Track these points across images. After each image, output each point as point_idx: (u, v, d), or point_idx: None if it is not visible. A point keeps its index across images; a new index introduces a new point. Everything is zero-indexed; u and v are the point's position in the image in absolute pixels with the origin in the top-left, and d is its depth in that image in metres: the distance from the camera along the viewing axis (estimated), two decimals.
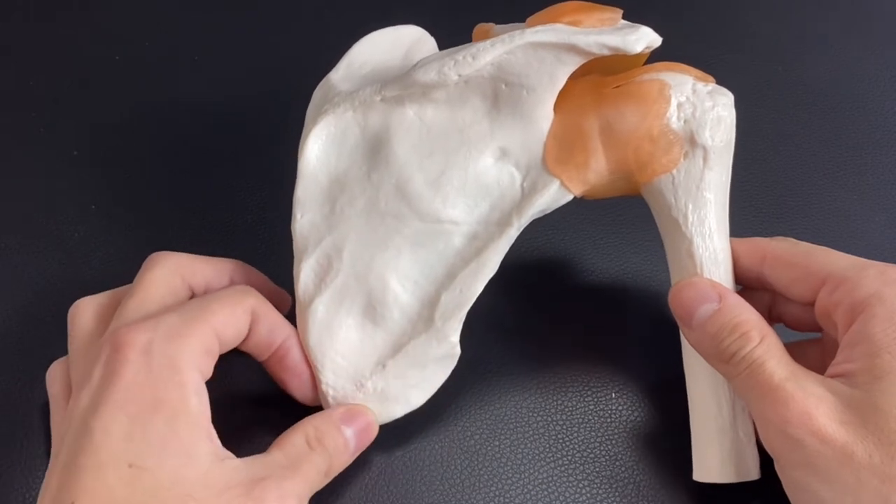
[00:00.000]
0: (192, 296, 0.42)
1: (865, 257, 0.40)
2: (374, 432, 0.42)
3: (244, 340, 0.41)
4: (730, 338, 0.38)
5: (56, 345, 0.45)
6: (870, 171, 0.58)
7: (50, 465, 0.37)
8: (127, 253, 0.51)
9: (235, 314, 0.40)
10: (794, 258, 0.41)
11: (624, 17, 0.42)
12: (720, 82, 0.42)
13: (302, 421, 0.40)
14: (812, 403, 0.36)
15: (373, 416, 0.42)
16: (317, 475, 0.39)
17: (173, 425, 0.36)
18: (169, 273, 0.41)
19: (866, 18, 0.68)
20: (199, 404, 0.37)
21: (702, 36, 0.66)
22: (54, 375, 0.42)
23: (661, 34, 0.41)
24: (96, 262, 0.51)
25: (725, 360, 0.38)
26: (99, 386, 0.36)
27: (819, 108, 0.61)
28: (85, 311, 0.41)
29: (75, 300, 0.43)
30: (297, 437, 0.39)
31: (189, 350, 0.37)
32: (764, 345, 0.38)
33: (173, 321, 0.38)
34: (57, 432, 0.40)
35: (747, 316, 0.39)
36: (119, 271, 0.49)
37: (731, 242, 0.42)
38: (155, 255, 0.42)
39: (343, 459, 0.41)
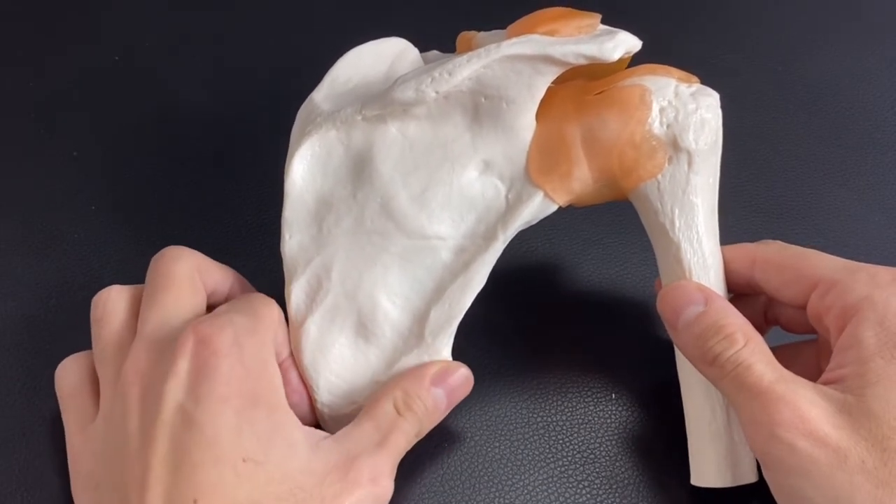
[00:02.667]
0: None
1: (864, 257, 0.40)
2: (470, 385, 0.42)
3: None
4: (714, 339, 0.38)
5: (55, 346, 0.46)
6: (870, 171, 0.57)
7: (113, 460, 0.37)
8: (127, 254, 0.52)
9: (276, 317, 0.41)
10: (784, 261, 0.41)
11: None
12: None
13: (391, 383, 0.41)
14: (804, 405, 0.35)
15: (466, 370, 0.42)
16: (406, 440, 0.40)
17: (273, 418, 0.37)
18: (192, 270, 0.42)
19: (866, 18, 0.67)
20: (284, 395, 0.39)
21: (702, 36, 0.65)
22: (69, 370, 0.42)
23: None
24: (96, 264, 0.51)
25: (710, 361, 0.38)
26: (192, 379, 0.36)
27: (819, 108, 0.61)
28: (118, 301, 0.42)
29: (74, 301, 0.43)
30: (386, 403, 0.40)
31: (269, 345, 0.39)
32: (749, 347, 0.37)
33: (244, 320, 0.39)
34: (77, 428, 0.40)
35: (733, 319, 0.39)
36: (119, 273, 0.50)
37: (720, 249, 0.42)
38: (172, 249, 0.42)
39: (434, 418, 0.41)
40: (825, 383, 0.37)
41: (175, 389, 0.36)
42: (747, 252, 0.42)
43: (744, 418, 0.38)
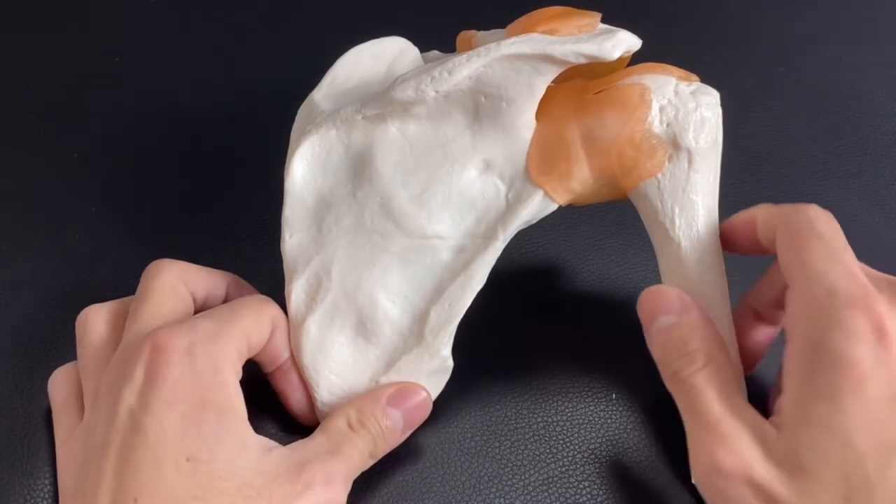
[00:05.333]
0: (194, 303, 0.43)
1: (865, 258, 0.39)
2: (428, 409, 0.42)
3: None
4: (676, 353, 0.38)
5: (56, 348, 0.46)
6: (870, 171, 0.57)
7: (82, 469, 0.38)
8: (128, 256, 0.52)
9: (261, 321, 0.41)
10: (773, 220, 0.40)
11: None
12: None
13: (347, 402, 0.41)
14: (745, 452, 0.35)
15: (425, 393, 0.42)
16: (360, 457, 0.40)
17: (223, 421, 0.37)
18: (175, 280, 0.42)
19: (867, 19, 0.67)
20: (240, 402, 0.38)
21: (702, 36, 0.65)
22: (59, 382, 0.43)
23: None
24: (96, 265, 0.51)
25: (668, 375, 0.39)
26: (144, 385, 0.37)
27: (819, 109, 0.61)
28: (96, 319, 0.42)
29: (75, 303, 0.43)
30: (339, 419, 0.40)
31: (227, 353, 0.38)
32: (707, 370, 0.37)
33: (209, 325, 0.39)
34: (63, 438, 0.41)
35: (701, 335, 0.38)
36: (119, 274, 0.50)
37: (727, 222, 0.42)
38: (157, 262, 0.42)
39: (391, 440, 0.41)
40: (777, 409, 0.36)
41: (128, 396, 0.37)
42: (747, 217, 0.41)
43: (690, 442, 0.38)
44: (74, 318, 0.43)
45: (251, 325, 0.40)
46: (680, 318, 0.39)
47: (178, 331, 0.38)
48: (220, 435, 0.37)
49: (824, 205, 0.54)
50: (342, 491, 0.38)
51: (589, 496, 0.43)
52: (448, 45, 0.46)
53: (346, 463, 0.39)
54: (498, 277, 0.42)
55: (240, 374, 0.39)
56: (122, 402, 0.37)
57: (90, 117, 0.59)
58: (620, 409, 0.46)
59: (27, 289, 0.50)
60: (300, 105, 0.45)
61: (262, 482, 0.36)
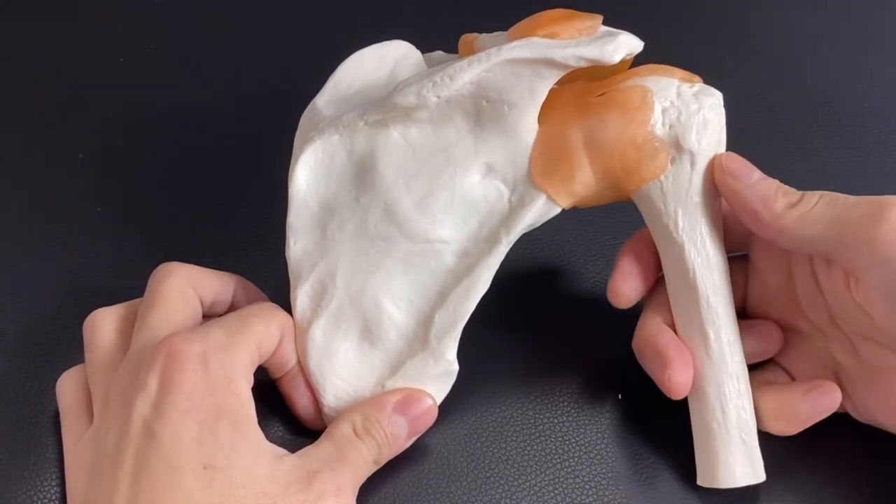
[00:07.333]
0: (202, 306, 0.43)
1: None
2: (433, 416, 0.42)
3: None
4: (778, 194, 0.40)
5: (60, 349, 0.46)
6: (872, 172, 0.57)
7: (93, 476, 0.38)
8: (132, 257, 0.52)
9: (270, 329, 0.41)
10: None
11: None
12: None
13: (353, 408, 0.42)
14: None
15: (431, 401, 0.42)
16: (364, 464, 0.40)
17: (238, 429, 0.37)
18: (184, 284, 0.42)
19: (868, 19, 0.67)
20: (253, 411, 0.39)
21: (704, 38, 0.65)
22: (67, 386, 0.43)
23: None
24: (101, 266, 0.51)
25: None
26: (158, 394, 0.37)
27: (821, 110, 0.60)
28: (104, 323, 0.42)
29: (81, 306, 0.43)
30: (345, 425, 0.40)
31: (239, 361, 0.39)
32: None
33: (220, 334, 0.39)
34: (72, 442, 0.41)
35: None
36: (124, 276, 0.50)
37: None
38: (165, 265, 0.42)
39: (396, 446, 0.41)
40: None
41: (142, 404, 0.37)
42: None
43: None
44: (80, 321, 0.43)
45: (261, 333, 0.40)
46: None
47: (191, 339, 0.38)
48: (236, 442, 0.37)
49: None
50: (351, 498, 0.39)
51: (595, 497, 0.43)
52: (450, 48, 0.46)
53: (352, 470, 0.39)
54: (502, 281, 0.42)
55: (251, 382, 0.39)
56: (136, 410, 0.37)
57: (93, 118, 0.60)
58: (627, 409, 0.46)
59: (32, 291, 0.50)
60: (303, 108, 0.45)
61: (277, 490, 0.37)
